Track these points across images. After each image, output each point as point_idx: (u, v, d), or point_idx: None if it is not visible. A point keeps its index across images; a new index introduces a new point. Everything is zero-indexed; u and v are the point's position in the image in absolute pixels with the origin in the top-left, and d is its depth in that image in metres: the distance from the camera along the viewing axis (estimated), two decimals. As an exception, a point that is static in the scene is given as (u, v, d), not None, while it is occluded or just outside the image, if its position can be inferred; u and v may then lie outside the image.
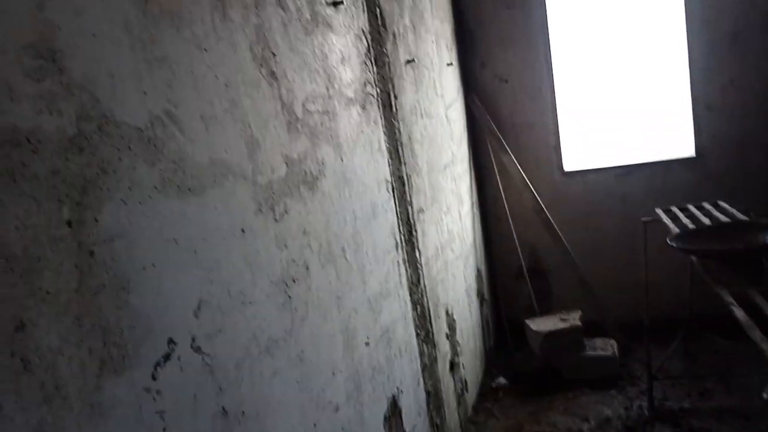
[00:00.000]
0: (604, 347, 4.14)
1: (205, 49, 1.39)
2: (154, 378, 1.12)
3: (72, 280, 0.97)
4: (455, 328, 3.58)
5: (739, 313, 1.89)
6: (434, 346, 3.10)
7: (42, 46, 0.96)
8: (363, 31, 2.48)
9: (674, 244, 2.37)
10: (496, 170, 4.61)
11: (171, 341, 1.18)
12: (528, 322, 4.31)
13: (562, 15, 4.42)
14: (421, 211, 3.09)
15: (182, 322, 1.22)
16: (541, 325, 4.22)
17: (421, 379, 2.82)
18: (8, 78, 0.89)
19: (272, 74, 1.69)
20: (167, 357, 1.16)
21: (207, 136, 1.36)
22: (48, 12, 0.97)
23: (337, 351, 1.95)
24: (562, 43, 4.45)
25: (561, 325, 4.17)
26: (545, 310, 4.64)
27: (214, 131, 1.39)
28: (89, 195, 1.02)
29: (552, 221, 4.45)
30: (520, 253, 4.63)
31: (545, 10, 4.32)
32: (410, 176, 2.97)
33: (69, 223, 0.97)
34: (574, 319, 4.23)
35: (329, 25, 2.14)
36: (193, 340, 1.25)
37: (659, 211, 3.25)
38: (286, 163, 1.73)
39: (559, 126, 4.53)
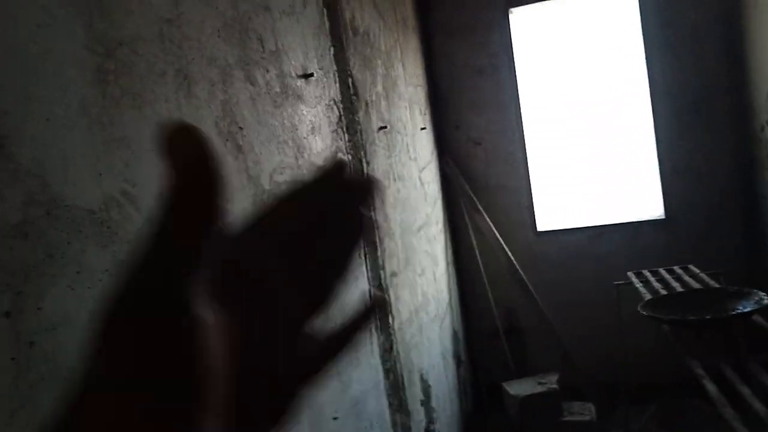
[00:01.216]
0: (582, 411, 4.07)
1: (166, 127, 1.39)
2: (94, 475, 1.05)
3: (8, 374, 0.92)
4: (431, 394, 3.50)
5: (711, 387, 1.87)
6: (408, 415, 3.01)
7: (-11, 133, 0.94)
8: (334, 100, 2.52)
9: (645, 312, 2.37)
10: (470, 231, 4.63)
11: None
12: (505, 385, 4.24)
13: (531, 81, 4.57)
14: (394, 274, 3.07)
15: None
16: (519, 388, 4.15)
17: (394, 452, 2.72)
18: (-50, 167, 0.87)
19: (238, 148, 1.70)
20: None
21: (165, 213, 1.34)
22: (-2, 99, 0.96)
23: (302, 428, 1.87)
24: (533, 106, 4.59)
25: (538, 389, 4.11)
26: (522, 372, 4.58)
27: (173, 208, 1.37)
28: (32, 282, 0.98)
29: (527, 281, 4.46)
30: (495, 314, 4.61)
31: (515, 77, 4.47)
32: (383, 240, 2.96)
33: (7, 314, 0.93)
34: (552, 382, 4.18)
35: (299, 97, 2.17)
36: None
37: (631, 275, 3.27)
38: (251, 236, 1.70)
39: (531, 187, 4.60)
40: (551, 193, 4.74)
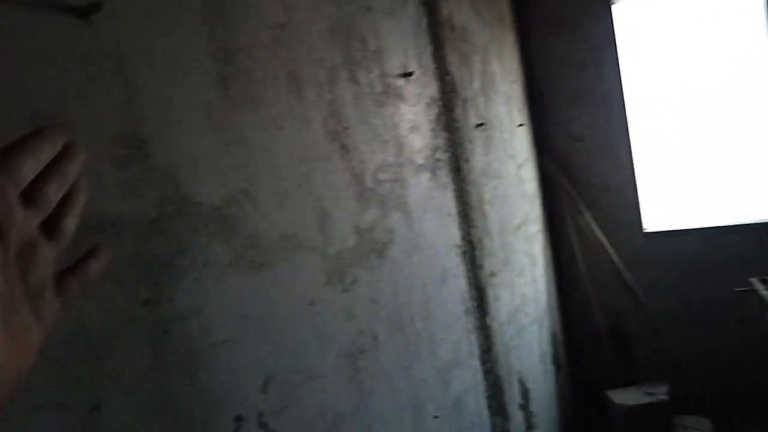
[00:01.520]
0: (698, 426, 3.78)
1: (280, 128, 1.44)
2: (220, 457, 1.12)
3: (146, 358, 0.99)
4: (529, 398, 3.40)
5: None
6: (507, 417, 2.95)
7: (131, 136, 1.03)
8: (433, 98, 2.51)
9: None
10: (571, 231, 4.46)
11: (239, 418, 1.18)
12: (609, 393, 4.04)
13: (636, 74, 4.33)
14: (492, 274, 3.01)
15: (250, 399, 1.22)
16: (624, 397, 3.94)
17: (493, 455, 2.68)
18: (98, 167, 0.96)
19: (344, 147, 1.74)
20: (234, 435, 1.16)
21: (280, 211, 1.40)
22: (137, 104, 1.05)
23: (405, 425, 1.89)
24: (639, 100, 4.34)
25: (646, 399, 3.87)
26: (627, 380, 4.34)
27: (286, 206, 1.43)
28: (166, 274, 1.06)
29: (632, 285, 4.22)
30: (598, 318, 4.40)
31: (619, 70, 4.25)
32: (481, 239, 2.92)
33: (146, 303, 1.01)
34: (661, 393, 3.92)
35: (400, 96, 2.19)
36: (260, 416, 1.24)
37: (755, 281, 3.00)
38: (356, 233, 1.74)
39: (637, 185, 4.35)
40: (660, 192, 4.45)
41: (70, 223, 0.38)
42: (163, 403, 1.01)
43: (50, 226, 0.36)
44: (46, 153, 0.36)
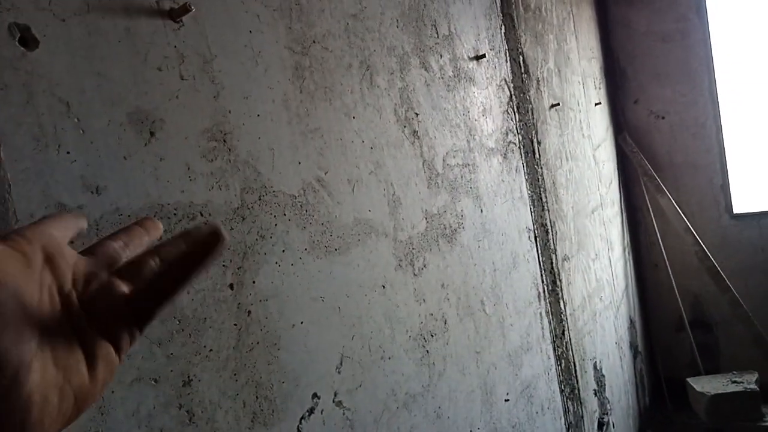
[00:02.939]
0: (788, 419, 3.58)
1: (353, 117, 1.48)
2: (299, 431, 1.19)
3: (231, 338, 1.07)
4: (604, 384, 3.33)
5: None
6: (580, 403, 2.91)
7: (216, 130, 1.09)
8: (505, 80, 2.47)
9: None
10: (651, 213, 4.28)
11: (315, 395, 1.25)
12: (690, 381, 3.89)
13: (727, 45, 4.04)
14: (566, 259, 2.96)
15: (325, 377, 1.28)
16: (707, 385, 3.78)
17: (565, 439, 2.66)
18: (188, 160, 1.03)
19: (414, 133, 1.76)
20: (311, 411, 1.23)
21: (352, 197, 1.44)
22: (222, 99, 1.11)
23: (475, 407, 1.91)
24: (729, 75, 4.06)
25: (732, 388, 3.70)
26: (711, 369, 4.15)
27: (358, 193, 1.47)
28: (249, 259, 1.13)
29: (719, 269, 4.00)
30: (680, 304, 4.21)
31: (709, 42, 3.99)
32: (554, 223, 2.86)
33: (231, 286, 1.08)
34: (749, 381, 3.73)
35: (471, 79, 2.17)
36: (335, 394, 1.31)
37: None
38: (426, 218, 1.76)
39: (727, 164, 4.10)
40: (752, 169, 4.18)
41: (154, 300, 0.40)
42: (247, 380, 1.08)
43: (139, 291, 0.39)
44: (136, 235, 0.42)
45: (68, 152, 0.87)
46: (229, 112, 1.12)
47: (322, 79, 1.39)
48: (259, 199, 1.17)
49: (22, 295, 0.32)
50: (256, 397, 1.10)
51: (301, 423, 1.19)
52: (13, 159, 0.80)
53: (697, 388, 3.76)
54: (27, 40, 0.84)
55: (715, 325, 4.28)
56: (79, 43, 0.91)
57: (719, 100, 4.03)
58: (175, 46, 1.04)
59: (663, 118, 4.21)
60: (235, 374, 1.07)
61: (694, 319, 4.30)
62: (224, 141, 1.10)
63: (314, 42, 1.38)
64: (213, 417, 1.00)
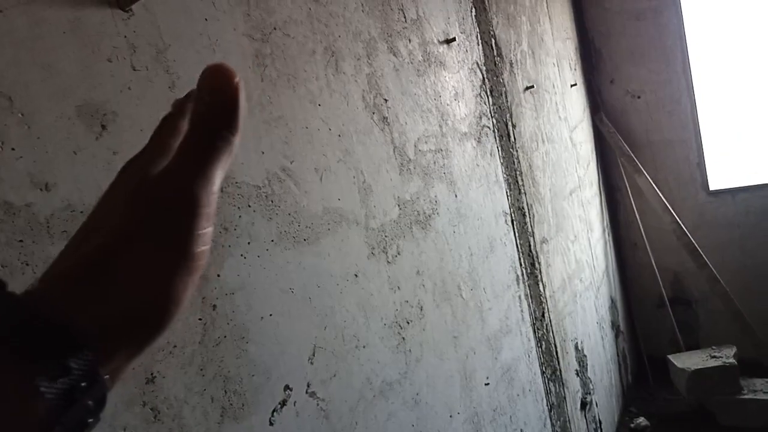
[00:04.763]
0: (766, 389, 3.65)
1: (318, 104, 1.46)
2: (271, 424, 1.18)
3: (196, 333, 1.05)
4: (586, 364, 3.37)
5: None
6: (562, 384, 2.94)
7: (172, 121, 1.07)
8: (477, 64, 2.46)
9: None
10: (629, 192, 4.31)
11: (287, 387, 1.24)
12: (671, 358, 3.94)
13: (699, 22, 4.06)
14: (544, 241, 2.97)
15: (298, 369, 1.27)
16: (687, 361, 3.84)
17: (548, 420, 2.68)
18: (143, 154, 1.00)
19: (384, 120, 1.74)
20: (284, 403, 1.22)
21: (321, 186, 1.43)
22: (177, 90, 1.08)
23: (454, 392, 1.92)
24: (702, 52, 4.08)
25: (711, 363, 3.76)
26: (692, 345, 4.22)
27: (327, 181, 1.45)
28: (213, 252, 1.11)
29: (696, 246, 4.05)
30: (660, 282, 4.27)
31: (681, 19, 4.00)
32: (531, 205, 2.87)
33: (194, 281, 1.06)
34: (728, 356, 3.79)
35: (442, 63, 2.16)
36: (308, 385, 1.30)
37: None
38: (399, 205, 1.75)
39: (702, 141, 4.14)
40: (726, 146, 4.22)
41: None
42: (214, 374, 1.07)
43: None
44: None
45: (13, 149, 0.84)
46: (186, 102, 1.09)
47: (285, 66, 1.37)
48: (222, 191, 1.15)
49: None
50: (225, 392, 1.09)
51: (273, 415, 1.18)
52: (-48, 157, 0.77)
53: (678, 364, 3.82)
54: (-38, 32, 0.81)
55: (695, 302, 4.34)
56: (23, 35, 0.87)
57: (693, 77, 4.06)
58: (126, 36, 1.01)
59: (639, 97, 4.23)
60: (201, 369, 1.05)
61: (674, 296, 4.36)
62: (181, 132, 1.08)
63: (275, 29, 1.36)
64: (179, 413, 0.99)
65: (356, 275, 1.51)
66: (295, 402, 1.25)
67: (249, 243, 1.20)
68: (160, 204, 0.33)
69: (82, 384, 0.28)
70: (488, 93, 2.53)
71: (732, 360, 3.70)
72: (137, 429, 0.92)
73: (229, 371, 1.10)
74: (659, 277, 4.26)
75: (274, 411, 1.19)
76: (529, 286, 2.66)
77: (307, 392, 1.28)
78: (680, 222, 4.10)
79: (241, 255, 1.17)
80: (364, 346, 1.50)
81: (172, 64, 1.09)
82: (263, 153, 1.27)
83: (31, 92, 0.87)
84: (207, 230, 0.33)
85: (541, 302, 2.78)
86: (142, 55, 1.03)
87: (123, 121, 0.99)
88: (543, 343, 2.73)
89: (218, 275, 1.11)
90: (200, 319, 1.06)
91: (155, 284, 0.32)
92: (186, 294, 0.32)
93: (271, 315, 1.22)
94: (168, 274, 0.32)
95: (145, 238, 0.32)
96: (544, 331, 2.77)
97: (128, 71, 1.01)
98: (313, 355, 1.32)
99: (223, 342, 1.10)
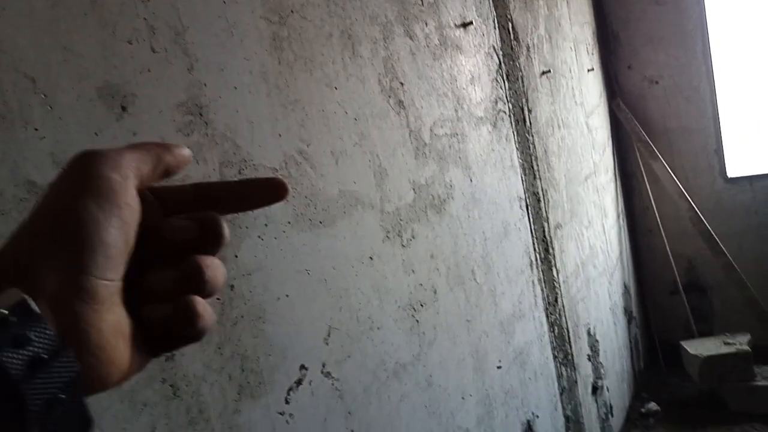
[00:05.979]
0: (780, 378, 3.63)
1: (335, 88, 1.46)
2: (287, 402, 1.20)
3: (214, 312, 1.07)
4: (598, 349, 3.37)
5: None
6: (574, 368, 2.95)
7: (191, 103, 1.08)
8: (494, 48, 2.44)
9: None
10: (645, 179, 4.27)
11: (303, 367, 1.26)
12: (684, 344, 3.93)
13: (721, 6, 3.98)
14: (558, 227, 2.96)
15: (313, 349, 1.29)
16: (700, 348, 3.82)
17: (559, 403, 2.70)
18: (163, 134, 1.02)
19: (400, 103, 1.73)
20: (299, 382, 1.24)
21: (336, 169, 1.43)
22: (196, 72, 1.09)
23: (466, 375, 1.93)
24: (723, 37, 4.01)
25: (725, 350, 3.74)
26: (705, 332, 4.20)
27: (343, 164, 1.46)
28: (230, 234, 1.12)
29: (713, 232, 4.02)
30: (674, 268, 4.24)
31: (702, 4, 3.92)
32: (546, 191, 2.86)
33: (213, 261, 1.08)
34: (742, 343, 3.77)
35: (458, 47, 2.14)
36: (324, 365, 1.32)
37: None
38: (414, 189, 1.76)
39: (720, 128, 4.08)
40: (745, 133, 4.16)
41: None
42: (232, 353, 1.09)
43: None
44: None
45: (36, 129, 0.85)
46: (205, 84, 1.10)
47: (302, 49, 1.37)
48: (239, 173, 1.16)
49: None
50: (242, 370, 1.11)
51: (289, 394, 1.21)
52: (-21, 137, 0.79)
53: (691, 350, 3.80)
54: (-13, 14, 0.82)
55: (709, 289, 4.31)
56: (43, 17, 0.88)
57: (713, 63, 3.99)
58: (145, 18, 1.02)
59: (657, 82, 4.17)
60: (219, 348, 1.07)
61: (688, 283, 4.33)
62: (200, 114, 1.09)
63: (292, 12, 1.35)
64: (198, 390, 1.01)
65: (371, 258, 1.52)
66: (310, 381, 1.27)
67: (266, 225, 1.21)
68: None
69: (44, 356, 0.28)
70: (504, 77, 2.51)
71: (746, 347, 3.68)
72: (157, 405, 0.95)
73: (246, 350, 1.12)
74: (674, 264, 4.23)
75: (289, 390, 1.21)
76: (542, 271, 2.66)
77: (322, 372, 1.30)
78: (696, 209, 4.06)
79: (258, 236, 1.19)
80: (378, 328, 1.51)
81: (190, 46, 1.09)
82: (280, 136, 1.28)
83: (52, 73, 0.88)
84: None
85: (554, 287, 2.78)
86: (161, 36, 1.04)
87: (142, 103, 1.00)
88: (555, 327, 2.73)
89: (236, 256, 1.13)
90: (218, 299, 1.08)
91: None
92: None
93: (287, 296, 1.24)
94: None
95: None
96: (557, 316, 2.77)
97: (147, 53, 1.02)
98: (329, 336, 1.34)
99: (240, 321, 1.12)
